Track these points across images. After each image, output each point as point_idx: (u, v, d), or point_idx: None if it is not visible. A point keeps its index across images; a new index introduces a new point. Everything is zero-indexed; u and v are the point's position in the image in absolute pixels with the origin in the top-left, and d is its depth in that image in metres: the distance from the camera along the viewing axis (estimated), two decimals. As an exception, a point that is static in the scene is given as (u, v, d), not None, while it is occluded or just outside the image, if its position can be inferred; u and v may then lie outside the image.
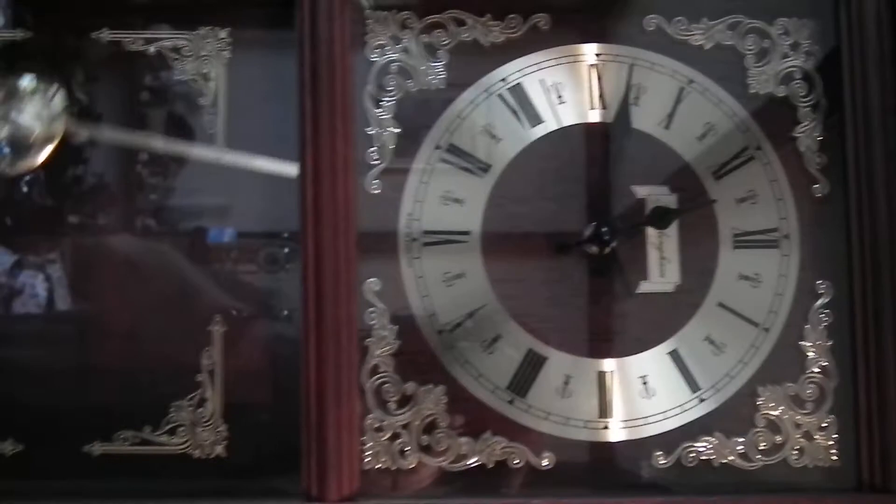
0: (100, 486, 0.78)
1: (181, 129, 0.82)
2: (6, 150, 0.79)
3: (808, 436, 0.81)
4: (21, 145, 0.78)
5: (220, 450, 0.79)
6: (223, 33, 0.82)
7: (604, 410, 0.82)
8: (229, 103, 0.81)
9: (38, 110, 0.78)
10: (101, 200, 0.83)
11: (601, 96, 0.85)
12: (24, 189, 0.80)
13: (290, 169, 0.79)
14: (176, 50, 0.82)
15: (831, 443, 0.81)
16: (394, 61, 0.83)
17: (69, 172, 0.83)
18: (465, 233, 0.82)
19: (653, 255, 0.83)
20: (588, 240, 0.83)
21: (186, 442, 0.79)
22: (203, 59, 0.82)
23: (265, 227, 0.83)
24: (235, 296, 0.80)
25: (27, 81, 0.79)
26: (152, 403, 0.79)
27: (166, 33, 0.82)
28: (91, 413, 0.79)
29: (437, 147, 0.83)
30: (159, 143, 0.81)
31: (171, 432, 0.79)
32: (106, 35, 0.82)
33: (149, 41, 0.82)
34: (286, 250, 0.82)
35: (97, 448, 0.79)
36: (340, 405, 0.77)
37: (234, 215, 0.83)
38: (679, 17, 0.84)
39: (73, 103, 0.80)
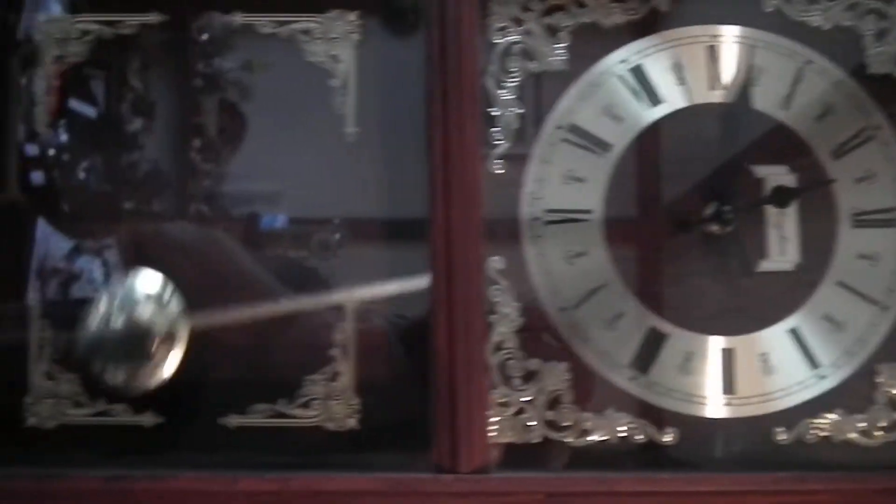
0: (236, 457, 0.80)
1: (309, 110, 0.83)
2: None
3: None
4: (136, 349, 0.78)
5: (352, 423, 0.80)
6: (352, 16, 0.83)
7: (725, 387, 0.82)
8: (359, 85, 0.82)
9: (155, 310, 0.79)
10: (155, 186, 0.84)
11: (721, 77, 0.85)
12: (81, 175, 0.82)
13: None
14: (306, 32, 0.83)
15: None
16: (516, 43, 0.84)
17: (124, 159, 0.84)
18: (587, 211, 0.84)
19: (772, 234, 0.84)
20: (709, 219, 0.84)
21: (320, 415, 0.80)
22: (333, 41, 0.83)
23: (316, 213, 0.84)
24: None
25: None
26: (286, 378, 0.80)
27: (297, 16, 0.83)
28: (227, 387, 0.81)
29: (559, 127, 0.84)
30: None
31: (305, 405, 0.80)
32: (238, 18, 0.83)
33: (280, 24, 0.83)
34: (337, 236, 0.83)
35: (233, 420, 0.80)
36: (471, 380, 0.78)
37: (285, 201, 0.85)
38: (798, -1, 0.85)
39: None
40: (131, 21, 0.83)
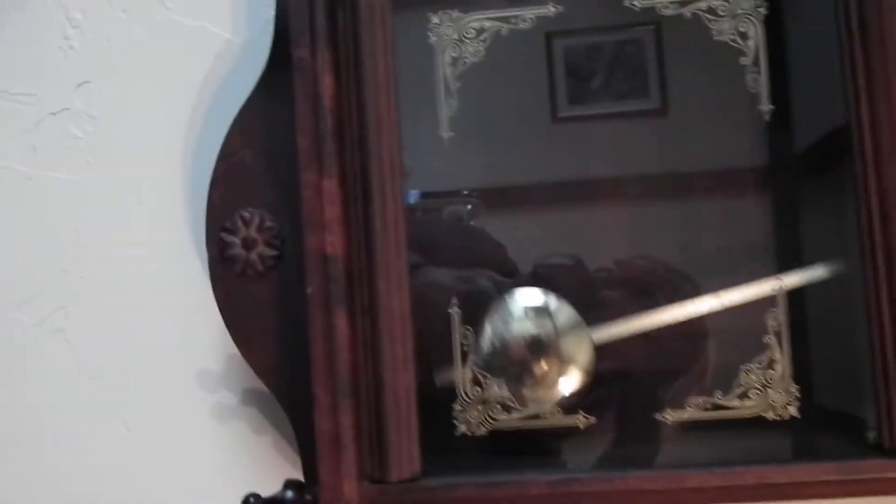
0: (675, 453, 0.78)
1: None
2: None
3: None
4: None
5: (792, 410, 0.78)
6: (758, -11, 0.79)
7: None
8: (771, 61, 0.78)
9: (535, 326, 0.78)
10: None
11: None
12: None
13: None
14: (711, 11, 0.79)
15: None
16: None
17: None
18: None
19: None
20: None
21: (758, 405, 0.78)
22: (740, 18, 0.79)
23: (445, 186, 0.84)
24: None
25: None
26: (721, 368, 0.78)
27: (701, -6, 0.79)
28: (659, 380, 0.79)
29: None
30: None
31: (743, 396, 0.78)
32: (637, 3, 0.80)
33: (683, 4, 0.79)
34: (469, 207, 0.83)
35: (669, 415, 0.78)
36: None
37: (414, 177, 0.83)
38: None
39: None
40: (527, 14, 0.80)
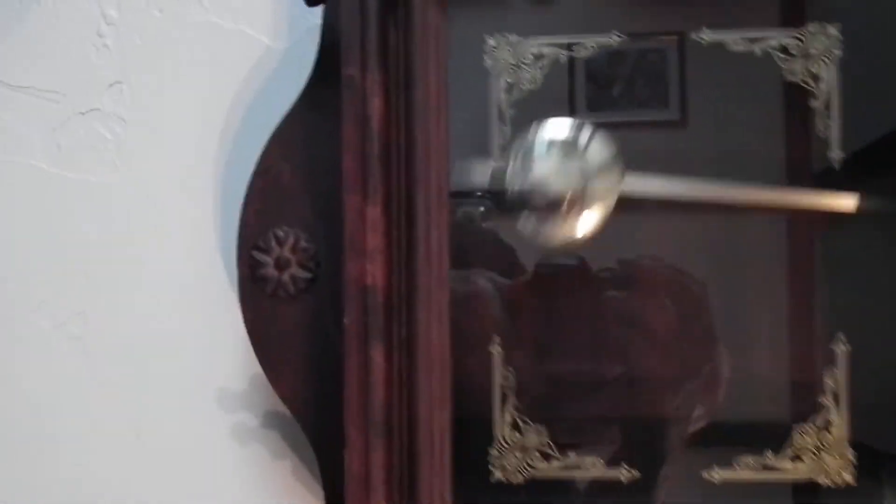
0: (721, 512, 0.74)
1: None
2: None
3: None
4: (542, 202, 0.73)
5: (847, 477, 0.74)
6: (833, 29, 0.75)
7: None
8: (843, 105, 0.74)
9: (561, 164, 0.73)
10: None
11: None
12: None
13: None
14: (784, 49, 0.75)
15: None
16: None
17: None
18: None
19: None
20: None
21: (812, 468, 0.74)
22: (812, 59, 0.75)
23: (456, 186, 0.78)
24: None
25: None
26: (772, 426, 0.74)
27: (773, 31, 0.75)
28: (708, 434, 0.75)
29: None
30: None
31: (795, 458, 0.74)
32: (707, 35, 0.76)
33: (753, 41, 0.75)
34: (482, 209, 0.79)
35: (717, 474, 0.74)
36: None
37: None
38: None
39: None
40: (588, 42, 0.76)
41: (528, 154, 0.75)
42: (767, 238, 0.77)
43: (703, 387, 0.76)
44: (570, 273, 0.79)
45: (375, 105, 0.73)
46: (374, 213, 0.73)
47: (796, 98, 0.75)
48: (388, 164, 0.74)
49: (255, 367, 0.82)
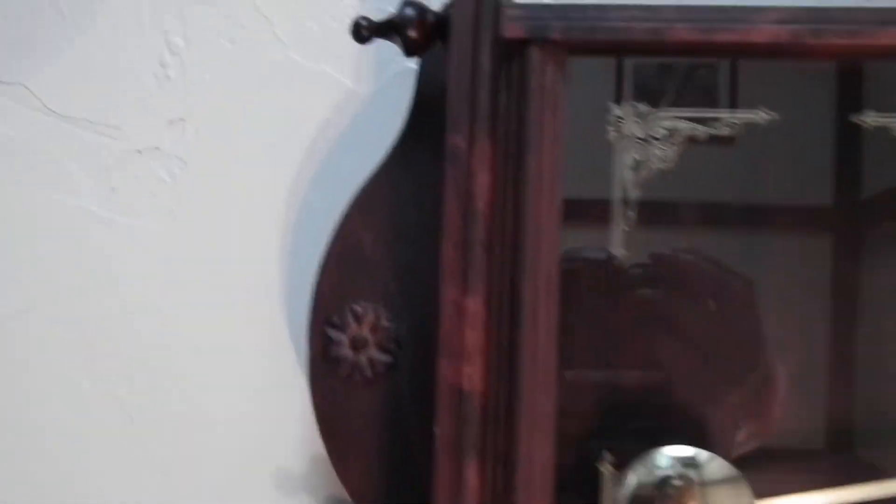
0: None
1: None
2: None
3: None
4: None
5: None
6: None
7: None
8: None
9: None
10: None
11: None
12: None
13: None
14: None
15: None
16: None
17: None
18: None
19: None
20: None
21: None
22: None
23: None
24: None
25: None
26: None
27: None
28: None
29: None
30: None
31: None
32: (872, 118, 0.65)
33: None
34: None
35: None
36: None
37: None
38: None
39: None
40: (731, 119, 0.65)
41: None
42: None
43: (751, 402, 0.69)
44: (598, 267, 0.69)
45: (482, 181, 0.63)
46: (475, 305, 0.64)
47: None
48: (491, 251, 0.63)
49: (318, 447, 0.74)
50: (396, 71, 0.79)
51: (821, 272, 0.71)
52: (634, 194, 0.68)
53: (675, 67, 0.70)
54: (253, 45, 0.82)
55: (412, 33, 0.66)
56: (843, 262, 0.72)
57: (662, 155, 0.67)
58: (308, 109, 0.81)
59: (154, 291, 0.82)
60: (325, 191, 0.79)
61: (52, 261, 0.83)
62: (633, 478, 0.67)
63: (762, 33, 0.63)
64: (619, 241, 0.68)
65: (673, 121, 0.67)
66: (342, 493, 0.74)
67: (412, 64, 0.73)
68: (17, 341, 0.83)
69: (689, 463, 0.68)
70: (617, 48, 0.66)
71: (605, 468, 0.68)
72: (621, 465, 0.67)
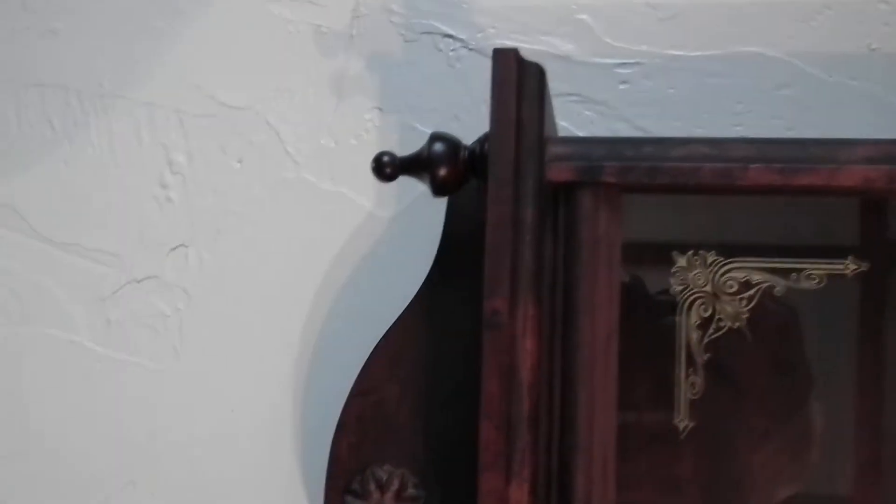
0: None
1: None
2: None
3: None
4: None
5: None
6: None
7: None
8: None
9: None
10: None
11: None
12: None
13: None
14: None
15: None
16: None
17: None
18: None
19: None
20: None
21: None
22: None
23: None
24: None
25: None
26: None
27: None
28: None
29: None
30: None
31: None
32: None
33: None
34: None
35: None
36: None
37: None
38: None
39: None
40: (815, 270, 0.55)
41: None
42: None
43: (792, 443, 0.61)
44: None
45: (527, 349, 0.54)
46: (520, 494, 0.55)
47: None
48: (536, 427, 0.54)
49: None
50: (420, 191, 0.70)
51: None
52: (702, 358, 0.58)
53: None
54: (263, 165, 0.74)
55: (442, 172, 0.57)
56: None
57: (734, 313, 0.58)
58: (324, 235, 0.73)
59: (153, 440, 0.74)
60: (345, 328, 0.71)
61: (43, 394, 0.75)
62: None
63: (851, 175, 0.54)
64: (682, 409, 0.58)
65: (747, 272, 0.58)
66: None
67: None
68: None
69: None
70: (680, 191, 0.57)
71: None
72: None
